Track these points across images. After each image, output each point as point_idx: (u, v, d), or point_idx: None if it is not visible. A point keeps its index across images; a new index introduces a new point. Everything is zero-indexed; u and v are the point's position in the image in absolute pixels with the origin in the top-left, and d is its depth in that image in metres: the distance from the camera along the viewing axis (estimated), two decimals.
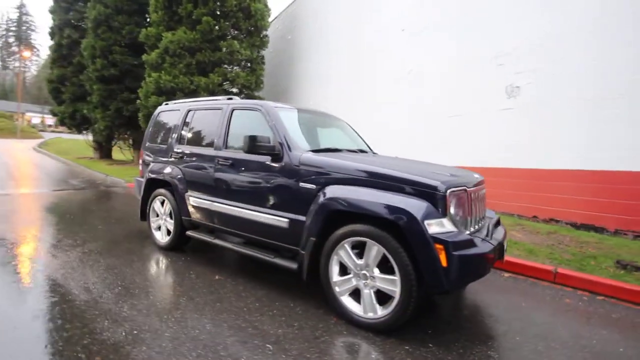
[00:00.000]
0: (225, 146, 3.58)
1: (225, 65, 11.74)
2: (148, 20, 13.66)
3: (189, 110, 4.17)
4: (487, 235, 2.59)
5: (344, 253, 2.60)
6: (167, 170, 4.14)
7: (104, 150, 16.41)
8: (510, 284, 3.67)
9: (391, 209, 2.34)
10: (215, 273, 3.49)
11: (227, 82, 11.48)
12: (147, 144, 4.65)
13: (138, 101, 11.48)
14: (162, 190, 4.22)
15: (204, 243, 3.97)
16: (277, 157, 3.06)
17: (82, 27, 15.96)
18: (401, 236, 2.32)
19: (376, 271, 2.45)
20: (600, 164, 5.13)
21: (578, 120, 5.39)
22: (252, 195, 3.25)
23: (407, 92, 8.12)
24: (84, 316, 2.51)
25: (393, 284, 2.36)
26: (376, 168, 2.61)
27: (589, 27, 5.25)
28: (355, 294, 2.59)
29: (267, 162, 3.12)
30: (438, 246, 2.20)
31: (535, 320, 2.84)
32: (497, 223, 3.11)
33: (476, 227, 2.60)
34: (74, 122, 16.29)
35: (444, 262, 2.19)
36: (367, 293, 2.49)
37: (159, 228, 4.33)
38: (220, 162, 3.53)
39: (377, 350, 2.26)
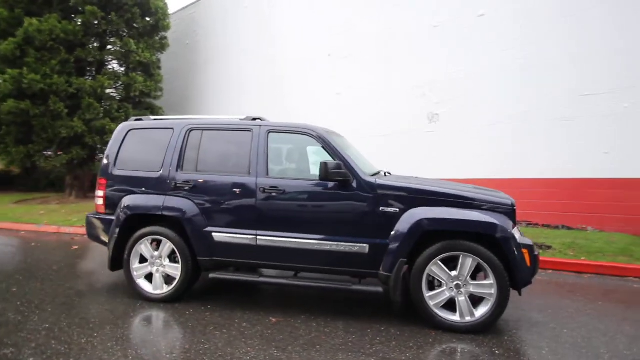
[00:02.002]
0: (267, 173, 3.25)
1: (116, 67, 9.82)
2: None
3: (190, 130, 3.52)
4: None
5: (437, 268, 2.86)
6: (168, 203, 3.37)
7: None
8: None
9: (485, 224, 2.78)
10: (263, 316, 3.10)
11: (120, 87, 9.61)
12: (115, 171, 3.61)
13: None
14: (156, 229, 3.39)
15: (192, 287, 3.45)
16: (346, 183, 3.05)
17: None
18: (492, 246, 2.78)
19: (469, 280, 2.83)
20: (500, 174, 6.97)
21: (480, 138, 7.18)
22: (318, 224, 3.09)
23: (335, 112, 8.79)
24: None
25: (488, 288, 2.79)
26: (457, 191, 3.00)
27: (492, 69, 7.10)
28: (447, 305, 2.89)
29: (335, 189, 3.05)
30: (524, 250, 2.77)
31: None
32: None
33: None
34: None
35: (528, 263, 2.77)
36: (463, 300, 2.84)
37: (148, 276, 3.45)
38: (266, 191, 3.18)
39: (497, 348, 2.63)
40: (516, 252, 2.74)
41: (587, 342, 2.73)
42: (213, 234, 3.26)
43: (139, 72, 9.77)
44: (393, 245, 2.90)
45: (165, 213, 3.36)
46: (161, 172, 3.46)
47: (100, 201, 3.65)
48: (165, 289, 3.39)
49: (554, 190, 6.52)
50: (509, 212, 2.91)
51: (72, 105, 8.68)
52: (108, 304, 3.37)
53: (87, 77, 9.31)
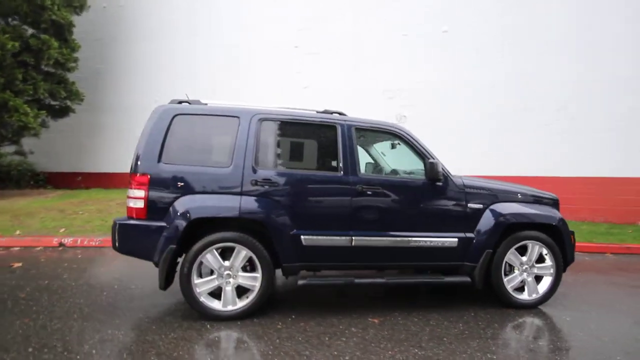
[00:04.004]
0: (358, 171, 3.12)
1: (24, 26, 7.51)
2: None
3: (261, 120, 3.09)
4: None
5: (513, 256, 3.30)
6: (247, 204, 2.90)
7: None
8: None
9: (550, 217, 3.34)
10: (359, 318, 3.02)
11: (28, 53, 7.37)
12: (162, 165, 2.90)
13: None
14: (230, 234, 2.89)
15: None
16: (444, 182, 3.20)
17: None
18: (554, 234, 3.37)
19: (535, 263, 3.36)
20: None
21: (443, 140, 8.18)
22: (415, 222, 3.16)
23: (301, 106, 8.66)
24: None
25: (549, 268, 3.36)
26: (519, 189, 3.48)
27: (449, 80, 8.09)
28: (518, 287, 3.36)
29: (434, 188, 3.18)
30: (571, 235, 3.45)
31: None
32: None
33: None
34: None
35: (574, 245, 3.47)
36: (531, 281, 3.35)
37: (215, 292, 2.92)
38: (363, 190, 3.06)
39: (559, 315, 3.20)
40: (569, 237, 3.39)
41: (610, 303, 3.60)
42: (302, 237, 2.98)
43: (51, 34, 7.63)
44: (480, 238, 3.21)
45: (245, 216, 2.89)
46: (232, 167, 2.95)
47: (139, 204, 2.87)
48: (240, 304, 2.93)
49: None
50: (557, 204, 3.56)
51: None
52: (173, 331, 2.72)
53: None
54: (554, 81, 7.60)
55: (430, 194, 3.19)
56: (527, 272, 3.35)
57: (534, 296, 3.36)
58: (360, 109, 8.39)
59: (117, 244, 2.93)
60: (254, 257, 2.91)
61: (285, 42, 8.90)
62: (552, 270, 3.37)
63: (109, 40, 10.11)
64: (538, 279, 3.40)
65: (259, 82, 9.05)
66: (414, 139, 3.29)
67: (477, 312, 3.24)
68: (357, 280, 3.10)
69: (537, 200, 3.47)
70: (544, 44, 7.64)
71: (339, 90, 8.55)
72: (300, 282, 3.01)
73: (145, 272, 4.21)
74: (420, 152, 3.26)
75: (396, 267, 3.25)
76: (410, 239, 3.13)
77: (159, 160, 2.90)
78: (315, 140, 3.22)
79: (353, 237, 3.04)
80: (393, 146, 3.55)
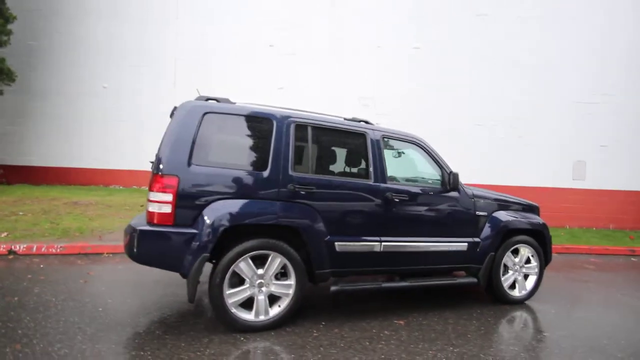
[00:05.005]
0: (386, 179, 3.23)
1: None
2: None
3: (296, 124, 3.02)
4: None
5: (508, 258, 3.72)
6: (286, 209, 2.82)
7: None
8: None
9: (538, 223, 3.84)
10: (385, 320, 3.14)
11: None
12: (193, 167, 2.66)
13: None
14: (266, 241, 2.76)
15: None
16: (459, 192, 3.47)
17: None
18: (538, 237, 3.87)
19: (524, 264, 3.83)
20: None
21: None
22: (435, 228, 3.37)
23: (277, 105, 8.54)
24: None
25: (533, 269, 3.85)
26: (513, 198, 3.92)
27: (418, 94, 8.65)
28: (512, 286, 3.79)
29: (452, 196, 3.43)
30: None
31: None
32: None
33: None
34: None
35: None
36: (521, 279, 3.80)
37: (246, 303, 2.78)
38: (392, 197, 3.17)
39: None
40: (549, 241, 3.94)
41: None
42: (335, 243, 2.98)
43: None
44: (485, 242, 3.56)
45: (283, 222, 2.80)
46: (268, 171, 2.83)
47: (166, 208, 2.59)
48: (272, 313, 2.83)
49: None
50: (538, 211, 4.10)
51: None
52: (206, 347, 2.51)
53: None
54: (508, 100, 8.61)
55: (449, 202, 3.45)
56: (518, 272, 3.81)
57: (523, 292, 3.82)
58: (336, 112, 8.62)
59: (136, 253, 2.60)
60: (288, 264, 2.84)
61: (260, 41, 8.66)
62: (536, 270, 3.87)
63: (48, 13, 8.74)
64: (525, 277, 3.89)
65: (229, 78, 8.66)
66: (432, 150, 3.52)
67: (482, 309, 3.57)
68: (384, 285, 3.21)
69: (524, 208, 3.96)
70: (507, 66, 8.60)
71: (317, 91, 8.60)
72: (333, 288, 3.01)
73: (131, 282, 3.81)
74: (438, 163, 3.50)
75: (417, 270, 3.43)
76: (431, 244, 3.34)
77: (189, 162, 2.66)
78: (346, 147, 3.26)
79: (382, 243, 3.14)
80: (399, 154, 3.75)
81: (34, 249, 4.46)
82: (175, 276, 3.81)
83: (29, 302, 3.08)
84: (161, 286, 3.66)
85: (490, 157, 8.62)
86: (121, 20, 8.94)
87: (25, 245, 4.45)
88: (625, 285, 4.90)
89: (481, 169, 8.44)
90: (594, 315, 3.65)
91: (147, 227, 2.60)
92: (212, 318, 2.98)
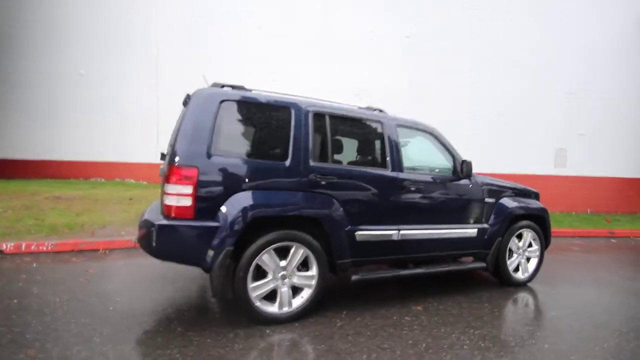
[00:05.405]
0: (402, 167, 3.23)
1: None
2: None
3: (314, 112, 2.94)
4: None
5: (512, 243, 3.85)
6: (308, 200, 2.76)
7: None
8: None
9: (540, 209, 3.98)
10: (403, 307, 3.18)
11: None
12: (214, 158, 2.54)
13: None
14: (289, 232, 2.71)
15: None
16: (471, 180, 3.54)
17: None
18: (539, 222, 4.02)
19: (528, 247, 3.98)
20: None
21: None
22: (448, 215, 3.43)
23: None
24: None
25: (535, 252, 4.01)
26: (517, 185, 4.04)
27: (412, 84, 8.68)
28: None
29: (464, 184, 3.48)
30: None
31: None
32: None
33: None
34: None
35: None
36: (524, 262, 3.96)
37: (269, 295, 2.72)
38: (408, 186, 3.17)
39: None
40: (549, 225, 4.11)
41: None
42: (356, 233, 2.97)
43: None
44: (493, 228, 3.67)
45: (305, 213, 2.74)
46: (289, 161, 2.75)
47: (185, 201, 2.47)
48: (295, 305, 2.79)
49: None
50: (539, 197, 4.25)
51: None
52: (234, 342, 2.44)
53: None
54: (499, 90, 8.80)
55: (461, 190, 3.51)
56: (521, 256, 3.96)
57: (526, 275, 3.98)
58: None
59: (155, 248, 2.47)
60: (311, 255, 2.80)
61: (248, 24, 8.36)
62: (537, 253, 4.04)
63: None
64: (527, 260, 4.05)
65: (213, 60, 8.32)
66: (444, 140, 3.55)
67: (490, 292, 3.70)
68: (402, 272, 3.24)
69: (527, 194, 4.10)
70: (505, 60, 8.76)
71: (306, 78, 8.44)
72: (354, 277, 3.01)
73: (135, 278, 3.68)
74: (449, 151, 3.54)
75: (431, 257, 3.49)
76: (445, 231, 3.40)
77: (209, 152, 2.54)
78: (363, 136, 3.22)
79: (400, 231, 3.16)
80: (411, 143, 3.77)
81: (23, 247, 4.16)
82: (180, 271, 3.72)
83: (31, 304, 2.88)
84: (169, 282, 3.53)
85: (478, 145, 8.85)
86: (104, 2, 8.36)
87: (12, 244, 4.14)
88: (612, 266, 5.23)
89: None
90: (591, 295, 3.86)
91: (166, 221, 2.47)
92: (231, 312, 2.91)
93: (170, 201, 2.50)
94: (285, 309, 2.75)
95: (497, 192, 3.79)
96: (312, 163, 2.82)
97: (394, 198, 3.15)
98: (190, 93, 2.73)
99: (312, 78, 8.48)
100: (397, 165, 3.20)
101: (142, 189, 7.96)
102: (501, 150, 8.87)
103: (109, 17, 8.44)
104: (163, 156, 3.06)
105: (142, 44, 8.42)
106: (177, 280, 3.58)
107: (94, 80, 8.42)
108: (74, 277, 3.58)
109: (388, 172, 3.15)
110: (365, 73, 8.57)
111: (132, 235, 4.88)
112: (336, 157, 3.02)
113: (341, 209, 2.90)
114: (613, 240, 7.03)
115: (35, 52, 8.25)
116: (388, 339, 2.60)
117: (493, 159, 8.80)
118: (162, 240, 2.46)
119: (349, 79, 8.54)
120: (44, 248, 4.23)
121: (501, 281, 3.88)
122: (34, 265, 3.83)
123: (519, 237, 3.92)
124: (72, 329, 2.52)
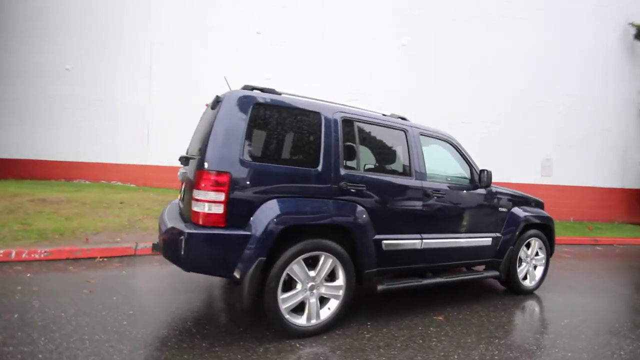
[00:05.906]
0: (426, 176, 3.23)
1: None
2: None
3: (344, 119, 2.90)
4: None
5: (523, 251, 3.94)
6: (339, 208, 2.70)
7: None
8: None
9: (547, 218, 4.10)
10: (425, 318, 3.17)
11: None
12: (247, 161, 2.44)
13: None
14: (319, 242, 2.63)
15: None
16: (486, 188, 3.59)
17: None
18: (545, 230, 4.14)
19: (535, 255, 4.08)
20: None
21: None
22: (467, 224, 3.46)
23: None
24: None
25: (541, 260, 4.12)
26: (526, 194, 4.14)
27: (410, 89, 8.80)
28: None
29: (482, 194, 3.53)
30: None
31: None
32: None
33: None
34: None
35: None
36: (531, 270, 4.05)
37: (298, 307, 2.63)
38: (432, 195, 3.18)
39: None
40: (554, 233, 4.24)
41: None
42: (382, 242, 2.93)
43: None
44: (506, 237, 3.74)
45: (337, 221, 2.68)
46: (320, 168, 2.69)
47: (216, 208, 2.35)
48: (323, 317, 2.71)
49: None
50: (544, 206, 4.38)
51: None
52: (265, 358, 2.33)
53: None
54: (494, 97, 9.08)
55: (479, 199, 3.56)
56: (529, 264, 4.06)
57: (533, 283, 4.08)
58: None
59: (184, 258, 2.32)
60: (339, 264, 2.73)
61: (246, 27, 8.24)
62: (543, 261, 4.16)
63: None
64: (534, 268, 4.15)
65: (209, 61, 8.12)
66: (463, 149, 3.60)
67: (502, 300, 3.75)
68: (424, 282, 3.23)
69: (534, 204, 4.22)
70: (500, 68, 9.04)
71: (304, 84, 8.39)
72: (380, 287, 2.96)
73: (144, 290, 3.50)
74: (468, 161, 3.58)
75: (450, 266, 3.50)
76: (464, 239, 3.43)
77: (241, 157, 2.43)
78: (388, 143, 3.20)
79: (423, 240, 3.16)
80: (431, 152, 3.80)
81: (13, 254, 3.84)
82: (187, 280, 3.55)
83: (34, 319, 2.64)
84: (181, 293, 3.36)
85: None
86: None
87: (2, 251, 3.81)
88: (605, 272, 5.48)
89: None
90: (595, 302, 4.00)
91: (197, 230, 2.34)
92: (257, 325, 2.78)
93: (199, 208, 2.37)
94: (314, 321, 2.67)
95: (509, 201, 3.88)
96: (342, 170, 2.77)
97: (418, 206, 3.14)
98: (220, 95, 2.61)
99: (312, 80, 8.43)
100: (421, 173, 3.20)
101: (131, 192, 7.60)
102: (492, 159, 9.12)
103: (102, 12, 8.07)
104: (184, 160, 2.91)
105: (136, 43, 8.09)
106: (188, 290, 3.41)
107: (81, 76, 7.99)
108: (75, 288, 3.32)
109: (412, 181, 3.14)
110: (363, 75, 8.61)
111: (128, 242, 4.63)
112: (364, 164, 2.99)
113: (368, 217, 2.85)
114: (598, 248, 7.37)
115: (17, 44, 7.75)
116: (420, 350, 2.57)
117: (482, 166, 9.03)
118: (192, 250, 2.32)
119: (346, 82, 8.56)
120: (37, 256, 3.92)
121: (510, 289, 3.95)
122: (28, 274, 3.53)
123: (527, 245, 4.02)
124: (87, 346, 2.32)
